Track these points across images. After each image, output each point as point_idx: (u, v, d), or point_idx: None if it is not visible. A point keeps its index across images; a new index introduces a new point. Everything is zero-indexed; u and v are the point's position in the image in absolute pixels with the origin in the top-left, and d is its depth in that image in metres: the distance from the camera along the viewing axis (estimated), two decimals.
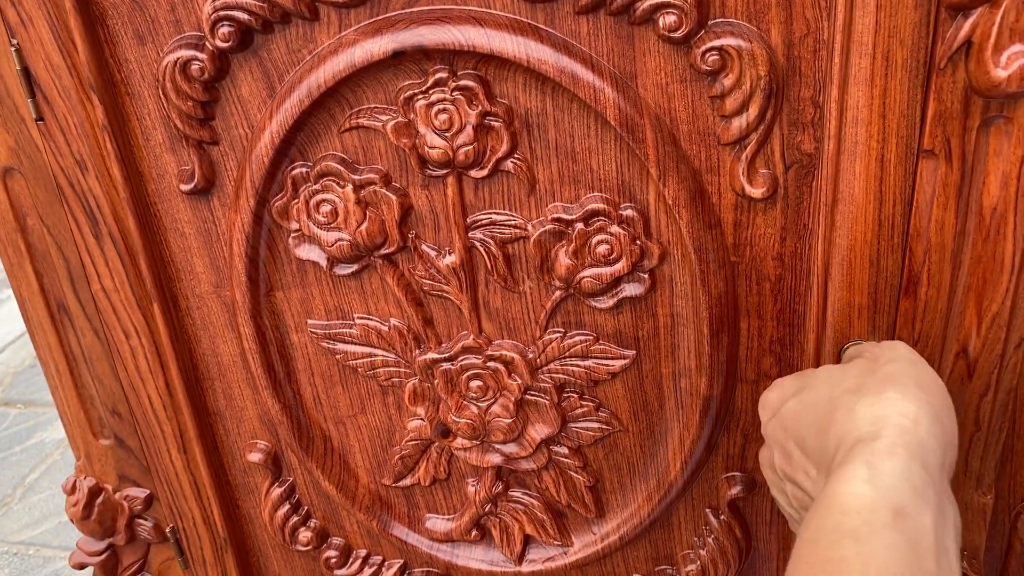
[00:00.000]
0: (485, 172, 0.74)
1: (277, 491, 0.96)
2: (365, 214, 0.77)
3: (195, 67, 0.73)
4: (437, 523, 0.95)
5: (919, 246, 0.68)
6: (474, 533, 0.94)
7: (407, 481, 0.93)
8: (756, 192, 0.70)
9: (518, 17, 0.68)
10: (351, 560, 0.99)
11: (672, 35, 0.65)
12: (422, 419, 0.88)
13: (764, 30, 0.65)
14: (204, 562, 1.01)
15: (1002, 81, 0.58)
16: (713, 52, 0.66)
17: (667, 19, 0.65)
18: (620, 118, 0.69)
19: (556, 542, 0.93)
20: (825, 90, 0.66)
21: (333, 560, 0.99)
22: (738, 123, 0.68)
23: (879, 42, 0.62)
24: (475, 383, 0.85)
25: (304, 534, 0.98)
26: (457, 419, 0.86)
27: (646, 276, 0.77)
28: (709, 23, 0.66)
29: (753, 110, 0.67)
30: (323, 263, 0.81)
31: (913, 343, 0.72)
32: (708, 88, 0.68)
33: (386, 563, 0.99)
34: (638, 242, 0.75)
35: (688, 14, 0.65)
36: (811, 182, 0.70)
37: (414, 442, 0.90)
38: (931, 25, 0.61)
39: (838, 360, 0.75)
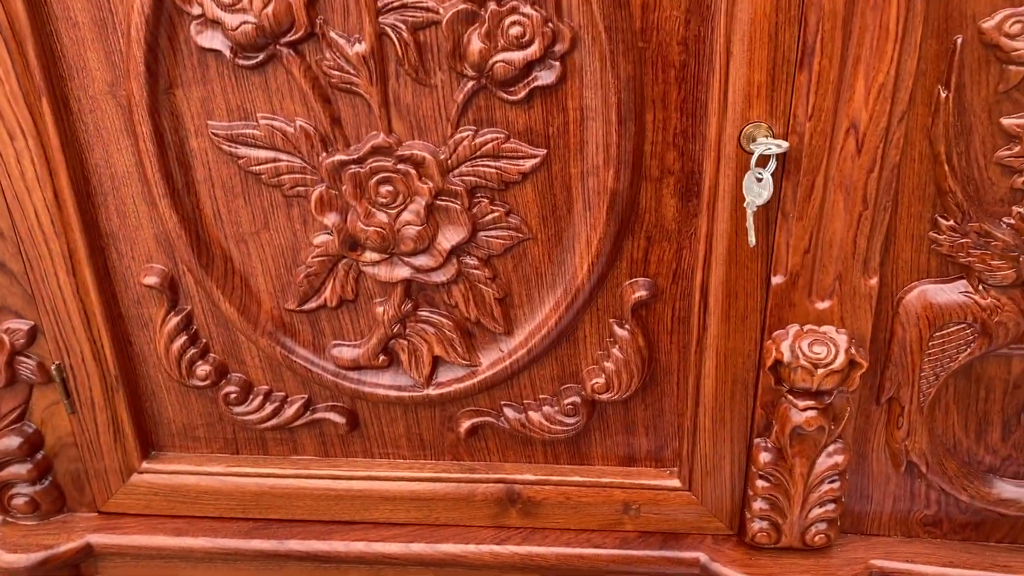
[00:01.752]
0: None
1: (173, 320, 0.92)
2: None
3: None
4: (343, 350, 0.94)
5: (813, 15, 0.72)
6: (381, 358, 0.93)
7: (312, 304, 0.91)
8: None
9: None
10: (252, 396, 0.97)
11: None
12: (329, 232, 0.87)
13: None
14: (92, 405, 0.96)
15: None
16: None
17: None
18: None
19: (464, 361, 0.93)
20: None
21: (233, 396, 0.96)
22: None
23: None
24: (385, 188, 0.84)
25: (202, 368, 0.94)
26: (366, 228, 0.85)
27: (557, 63, 0.78)
28: None
29: None
30: (226, 52, 0.79)
31: (807, 118, 0.76)
32: None
33: (288, 399, 0.97)
34: (550, 24, 0.76)
35: None
36: None
37: (320, 258, 0.88)
38: None
39: (737, 146, 0.78)
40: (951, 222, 0.80)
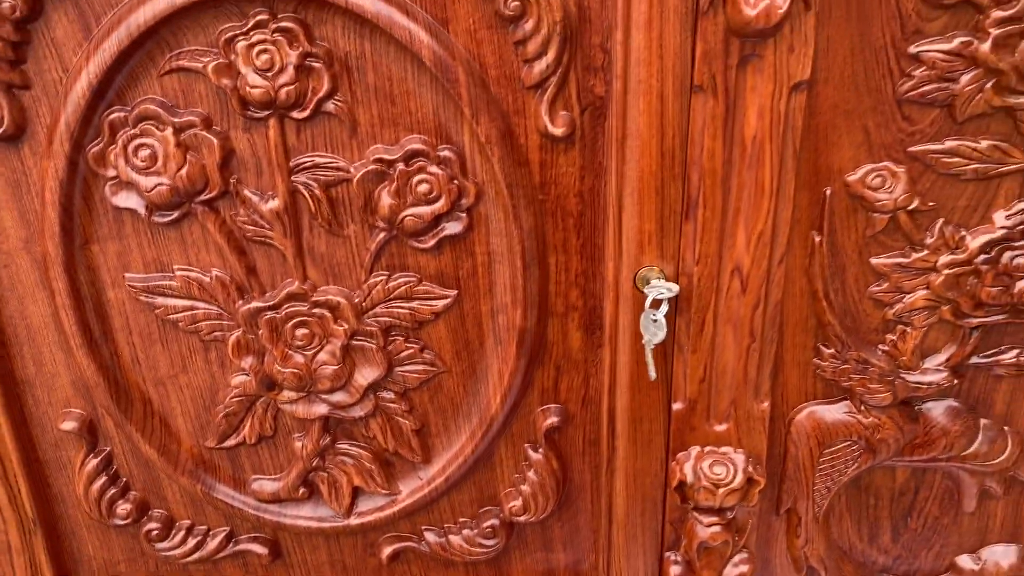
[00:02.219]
0: (307, 113, 0.77)
1: (93, 462, 0.93)
2: (185, 158, 0.79)
3: (6, 5, 0.73)
4: (264, 484, 0.95)
5: (695, 173, 0.78)
6: (302, 491, 0.95)
7: (231, 441, 0.93)
8: (557, 131, 0.78)
9: None
10: (174, 532, 0.97)
11: None
12: (246, 373, 0.89)
13: None
14: (9, 548, 0.95)
15: (752, 19, 0.69)
16: (516, 0, 0.73)
17: None
18: (435, 60, 0.75)
19: (384, 491, 0.95)
20: (612, 35, 0.75)
21: (155, 532, 0.96)
22: (539, 67, 0.76)
23: None
24: (301, 331, 0.87)
25: (122, 507, 0.95)
26: (283, 369, 0.88)
27: (464, 215, 0.82)
28: None
29: (551, 53, 0.75)
30: (141, 211, 0.81)
31: (695, 263, 0.82)
32: (512, 34, 0.76)
33: (211, 532, 0.98)
34: (456, 181, 0.81)
35: None
36: (603, 122, 0.79)
37: (238, 399, 0.90)
38: None
39: (633, 287, 0.84)
40: (832, 350, 0.86)
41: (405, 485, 0.96)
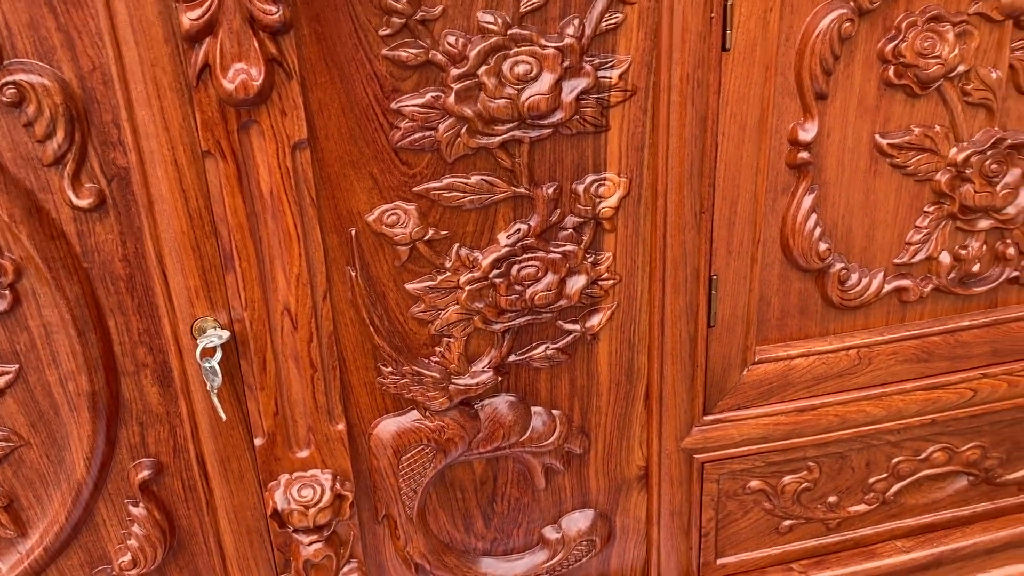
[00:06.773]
0: None
1: None
2: None
3: None
4: None
5: (224, 230, 0.86)
6: None
7: None
8: (84, 203, 0.83)
9: None
10: None
11: None
12: None
13: (56, 67, 0.79)
14: None
15: (232, 91, 0.78)
16: (10, 87, 0.77)
17: None
18: None
19: None
20: (119, 113, 0.81)
21: None
22: (51, 146, 0.80)
23: (146, 70, 0.79)
24: None
25: None
26: None
27: (7, 291, 0.85)
28: (4, 63, 0.77)
29: (60, 134, 0.80)
30: None
31: (244, 309, 0.89)
32: (19, 118, 0.79)
33: None
34: None
35: None
36: (132, 190, 0.84)
37: None
38: (180, 54, 0.79)
39: (192, 339, 0.90)
40: (389, 368, 0.97)
41: (5, 561, 0.96)
